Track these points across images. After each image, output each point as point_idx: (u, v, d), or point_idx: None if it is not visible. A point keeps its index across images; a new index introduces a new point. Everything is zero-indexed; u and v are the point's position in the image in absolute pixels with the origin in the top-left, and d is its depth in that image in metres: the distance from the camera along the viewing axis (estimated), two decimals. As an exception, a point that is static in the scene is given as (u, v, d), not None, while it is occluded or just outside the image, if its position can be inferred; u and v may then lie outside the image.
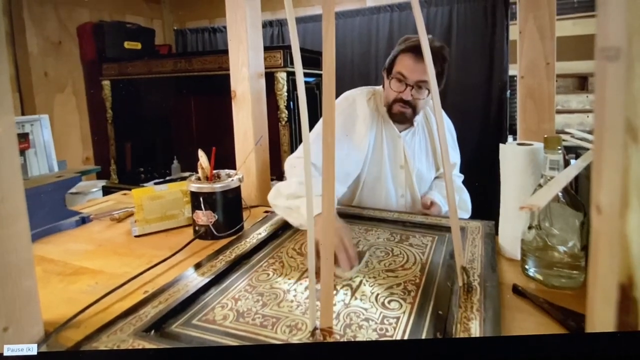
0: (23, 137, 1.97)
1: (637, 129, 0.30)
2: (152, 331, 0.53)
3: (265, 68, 1.26)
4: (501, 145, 0.76)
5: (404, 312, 0.58)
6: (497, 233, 0.81)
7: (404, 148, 1.13)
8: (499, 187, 0.77)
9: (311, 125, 1.02)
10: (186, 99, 2.72)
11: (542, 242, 0.66)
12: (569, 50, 2.46)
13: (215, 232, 0.87)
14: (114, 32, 2.69)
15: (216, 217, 0.87)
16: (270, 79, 2.12)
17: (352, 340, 0.52)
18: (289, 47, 2.08)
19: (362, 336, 0.52)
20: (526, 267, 0.69)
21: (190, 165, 2.59)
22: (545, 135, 0.67)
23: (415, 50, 1.01)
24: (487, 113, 2.31)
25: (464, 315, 0.55)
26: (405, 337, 0.52)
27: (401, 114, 1.07)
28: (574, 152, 0.97)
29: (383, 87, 1.11)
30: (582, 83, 2.68)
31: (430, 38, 0.93)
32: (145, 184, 2.61)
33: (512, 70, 2.25)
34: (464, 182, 1.26)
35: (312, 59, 2.37)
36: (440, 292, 0.63)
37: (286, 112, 2.19)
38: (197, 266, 0.72)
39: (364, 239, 0.85)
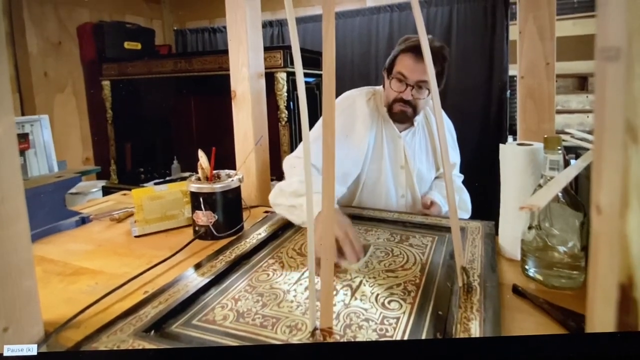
0: (23, 138, 1.96)
1: (637, 129, 0.30)
2: (152, 331, 0.53)
3: (265, 68, 1.26)
4: (501, 146, 0.76)
5: (404, 313, 0.58)
6: (497, 233, 0.81)
7: (404, 148, 1.13)
8: (499, 187, 0.77)
9: (311, 126, 1.02)
10: (186, 99, 2.72)
11: (542, 242, 0.66)
12: (569, 51, 2.46)
13: (215, 233, 0.87)
14: (113, 32, 2.69)
15: (216, 217, 0.87)
16: (270, 79, 2.12)
17: (352, 340, 0.52)
18: (289, 47, 2.08)
19: (362, 336, 0.52)
20: (526, 267, 0.69)
21: (190, 165, 2.59)
22: (545, 136, 0.67)
23: (415, 50, 1.01)
24: (487, 113, 2.31)
25: (463, 316, 0.55)
26: (405, 338, 0.52)
27: (402, 113, 1.07)
28: (574, 152, 0.97)
29: (383, 87, 1.11)
30: (582, 83, 2.68)
31: (430, 38, 0.93)
32: (145, 184, 2.61)
33: (512, 71, 2.25)
34: (464, 182, 1.26)
35: (312, 59, 2.37)
36: (440, 292, 0.63)
37: (286, 112, 2.19)
38: (197, 266, 0.72)
39: (364, 239, 0.85)
